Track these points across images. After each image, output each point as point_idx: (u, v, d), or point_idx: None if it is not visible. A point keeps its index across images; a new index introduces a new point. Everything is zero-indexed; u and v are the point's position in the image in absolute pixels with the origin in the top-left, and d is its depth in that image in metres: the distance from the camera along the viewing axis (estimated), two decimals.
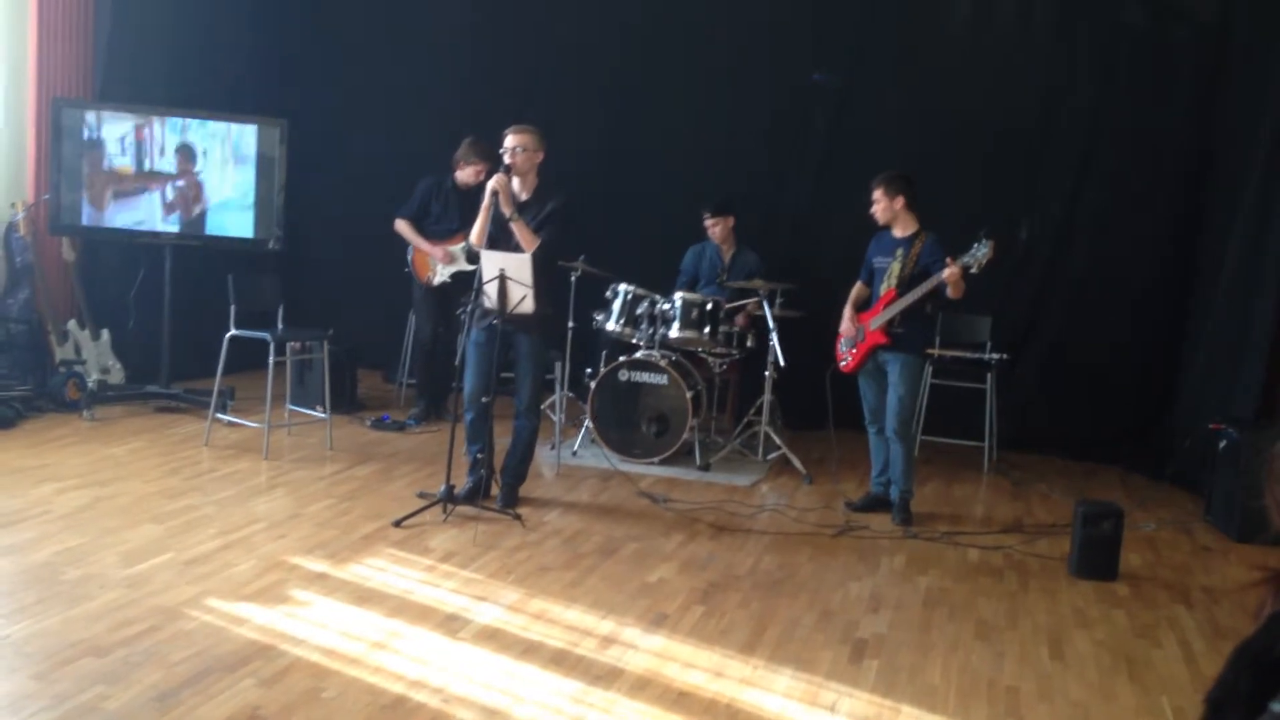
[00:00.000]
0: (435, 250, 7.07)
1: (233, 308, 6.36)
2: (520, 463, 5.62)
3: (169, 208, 7.24)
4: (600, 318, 6.78)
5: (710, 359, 6.94)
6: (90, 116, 7.07)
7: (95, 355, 7.16)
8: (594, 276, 6.83)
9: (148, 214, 7.21)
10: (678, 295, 6.65)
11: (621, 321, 6.69)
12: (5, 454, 5.84)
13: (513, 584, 4.47)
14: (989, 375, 7.00)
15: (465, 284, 6.04)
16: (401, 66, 8.54)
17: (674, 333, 6.57)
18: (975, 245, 5.38)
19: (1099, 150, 7.35)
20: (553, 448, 6.54)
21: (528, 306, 5.18)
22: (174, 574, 4.29)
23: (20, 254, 6.98)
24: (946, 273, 5.39)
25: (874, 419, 5.86)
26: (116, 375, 7.26)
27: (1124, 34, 7.25)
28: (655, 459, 6.52)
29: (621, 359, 6.64)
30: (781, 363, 6.47)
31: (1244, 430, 5.84)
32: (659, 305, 6.62)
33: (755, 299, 6.74)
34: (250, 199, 7.32)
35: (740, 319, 6.89)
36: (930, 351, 6.51)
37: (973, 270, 5.41)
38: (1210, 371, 6.72)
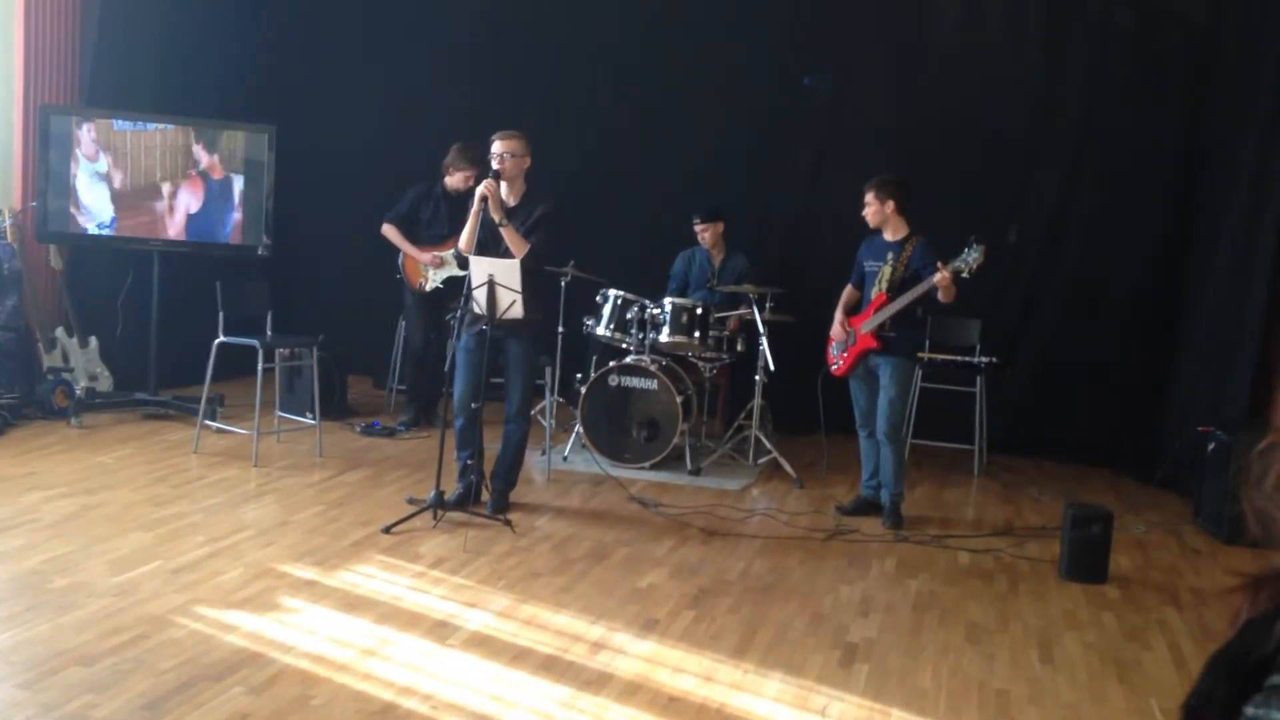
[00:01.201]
0: (424, 255, 7.06)
1: (221, 314, 6.34)
2: (510, 468, 5.61)
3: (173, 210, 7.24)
4: (590, 323, 6.78)
5: (700, 363, 6.94)
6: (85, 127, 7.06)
7: (83, 362, 7.13)
8: (584, 281, 6.83)
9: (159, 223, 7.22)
10: (667, 300, 6.65)
11: (611, 326, 6.69)
12: None
13: (503, 590, 4.46)
14: (979, 378, 7.01)
15: (456, 290, 6.04)
16: (390, 72, 8.53)
17: (664, 337, 6.57)
18: (966, 250, 5.40)
19: (1089, 153, 7.37)
20: (543, 453, 6.53)
21: (517, 312, 5.17)
22: (162, 582, 4.27)
23: (7, 261, 6.96)
24: (938, 277, 5.40)
25: (865, 422, 5.86)
26: (105, 382, 7.23)
27: (1114, 37, 7.28)
28: (646, 464, 6.52)
29: (612, 364, 6.63)
30: (771, 368, 6.48)
31: (1233, 433, 5.85)
32: (649, 310, 6.61)
33: (746, 304, 6.74)
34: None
35: (731, 323, 6.89)
36: (920, 355, 6.52)
37: (964, 275, 5.42)
38: (1199, 374, 6.74)
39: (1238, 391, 6.31)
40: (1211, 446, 5.95)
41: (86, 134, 7.04)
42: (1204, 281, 6.79)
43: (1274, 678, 0.92)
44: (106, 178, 7.11)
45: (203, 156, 7.26)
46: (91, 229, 7.14)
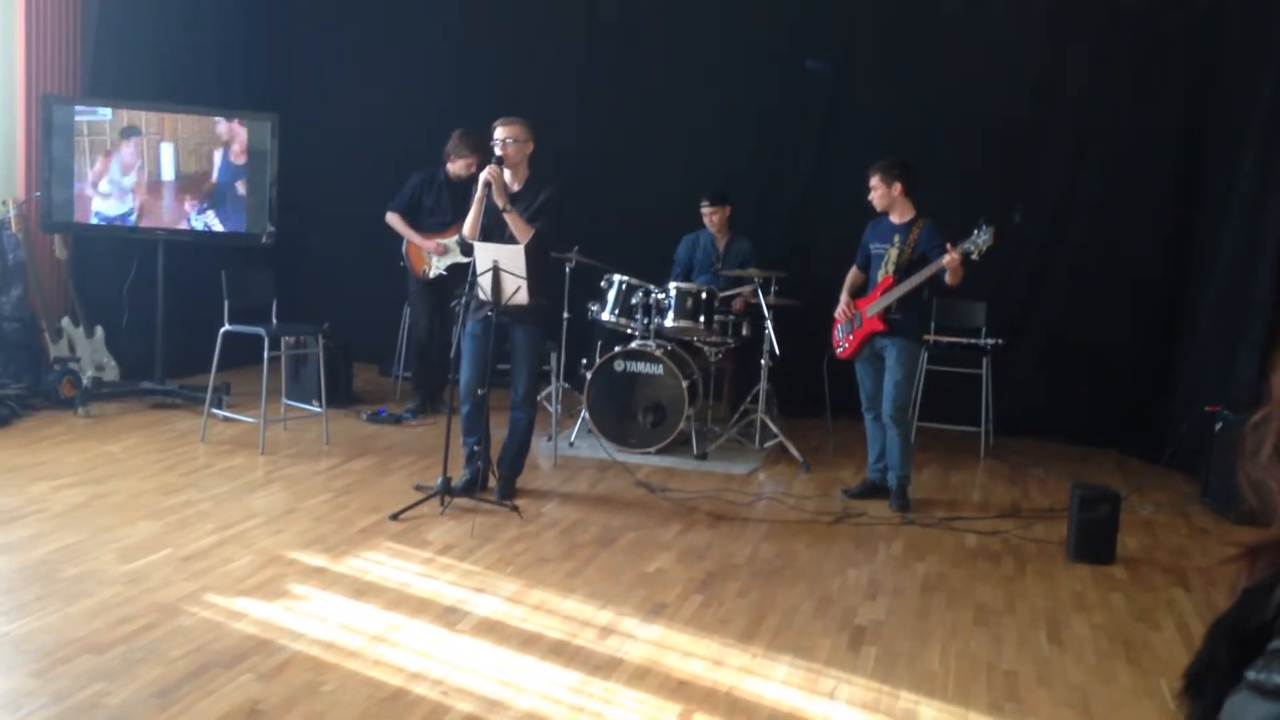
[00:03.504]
0: (428, 243, 7.05)
1: (226, 303, 6.33)
2: (517, 454, 5.61)
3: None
4: (595, 308, 6.77)
5: (706, 348, 6.93)
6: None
7: (89, 352, 7.14)
8: (588, 267, 6.82)
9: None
10: (672, 285, 6.64)
11: (616, 312, 6.68)
12: (1, 452, 5.82)
13: (511, 575, 4.47)
14: (985, 360, 7.00)
15: (460, 277, 6.03)
16: (393, 58, 8.51)
17: (669, 322, 6.56)
18: (975, 231, 5.38)
19: (1095, 134, 7.34)
20: (549, 439, 6.53)
21: (522, 298, 5.17)
22: (172, 570, 4.29)
23: (12, 251, 6.96)
24: (947, 259, 5.38)
25: (871, 405, 5.86)
26: (111, 372, 7.24)
27: (1118, 17, 7.23)
28: (652, 448, 6.52)
29: (617, 349, 6.63)
30: (776, 351, 6.47)
31: (1240, 413, 5.84)
32: (654, 295, 6.61)
33: (750, 287, 6.73)
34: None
35: (736, 303, 6.89)
36: (926, 337, 6.51)
37: (973, 257, 5.41)
38: (1207, 354, 6.72)
39: (1246, 371, 6.28)
40: (1219, 426, 5.94)
41: (131, 146, 7.07)
42: (1210, 262, 6.76)
43: (1274, 642, 0.92)
44: (132, 189, 7.16)
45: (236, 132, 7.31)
46: (97, 220, 7.18)
